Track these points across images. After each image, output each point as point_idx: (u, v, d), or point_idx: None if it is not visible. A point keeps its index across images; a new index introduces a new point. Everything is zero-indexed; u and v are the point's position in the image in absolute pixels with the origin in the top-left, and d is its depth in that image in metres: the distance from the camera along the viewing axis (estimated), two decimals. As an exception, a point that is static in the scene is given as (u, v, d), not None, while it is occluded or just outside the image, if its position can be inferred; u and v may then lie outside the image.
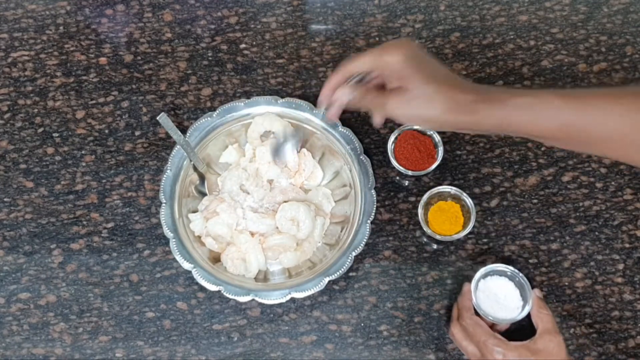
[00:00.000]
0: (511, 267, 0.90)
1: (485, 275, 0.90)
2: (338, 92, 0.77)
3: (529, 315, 0.88)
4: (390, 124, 0.99)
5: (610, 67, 1.01)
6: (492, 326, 0.89)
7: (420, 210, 0.93)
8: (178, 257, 0.90)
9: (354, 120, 1.00)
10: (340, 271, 0.89)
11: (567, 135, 0.71)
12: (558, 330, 0.86)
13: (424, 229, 0.92)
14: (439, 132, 0.96)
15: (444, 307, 0.93)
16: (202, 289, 0.93)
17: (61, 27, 1.04)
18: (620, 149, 0.72)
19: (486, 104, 0.71)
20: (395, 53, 0.73)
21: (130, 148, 1.00)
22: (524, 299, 0.88)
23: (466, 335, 0.87)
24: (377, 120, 0.78)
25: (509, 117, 0.71)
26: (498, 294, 0.89)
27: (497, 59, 1.02)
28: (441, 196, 0.94)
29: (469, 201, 0.92)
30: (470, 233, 0.95)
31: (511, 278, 0.90)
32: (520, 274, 0.89)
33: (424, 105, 0.72)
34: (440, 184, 0.95)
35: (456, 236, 0.92)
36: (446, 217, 0.93)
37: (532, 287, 0.89)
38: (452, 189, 0.93)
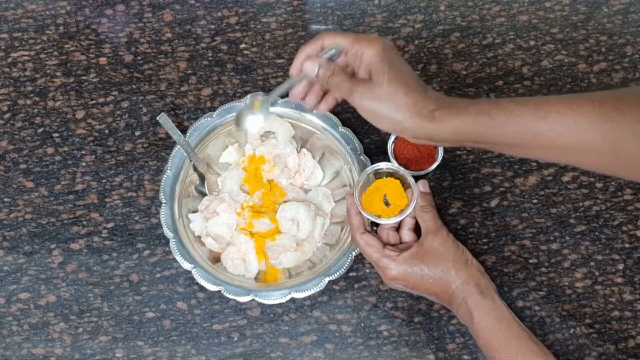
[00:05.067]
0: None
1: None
2: (307, 63, 0.77)
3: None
4: (390, 124, 0.99)
5: (610, 67, 1.01)
6: (400, 227, 0.87)
7: (356, 193, 0.87)
8: (178, 257, 0.90)
9: (354, 120, 1.00)
10: (340, 271, 0.89)
11: (525, 141, 0.72)
12: (440, 225, 0.85)
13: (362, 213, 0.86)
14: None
15: (444, 307, 0.93)
16: (202, 289, 0.93)
17: (61, 27, 1.04)
18: (584, 158, 0.73)
19: (445, 110, 0.72)
20: (372, 45, 0.74)
21: (130, 148, 1.00)
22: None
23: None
24: (329, 104, 0.80)
25: (466, 125, 0.72)
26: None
27: (497, 59, 1.02)
28: (378, 174, 0.89)
29: (410, 179, 0.87)
30: (470, 233, 0.95)
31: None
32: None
33: (391, 107, 0.73)
34: (440, 184, 0.95)
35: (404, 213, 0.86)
36: (382, 196, 0.88)
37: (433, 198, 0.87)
38: (386, 165, 0.88)
